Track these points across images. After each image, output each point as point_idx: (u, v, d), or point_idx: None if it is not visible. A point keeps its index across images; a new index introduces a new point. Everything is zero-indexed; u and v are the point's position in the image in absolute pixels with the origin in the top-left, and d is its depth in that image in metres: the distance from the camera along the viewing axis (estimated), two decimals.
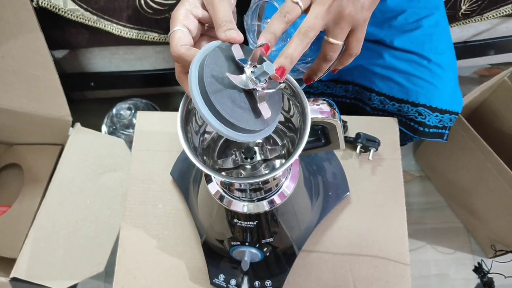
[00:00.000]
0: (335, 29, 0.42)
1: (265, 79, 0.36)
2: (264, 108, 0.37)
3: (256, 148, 0.50)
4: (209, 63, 0.35)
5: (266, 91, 0.37)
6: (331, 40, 0.42)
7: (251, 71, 0.36)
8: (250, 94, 0.37)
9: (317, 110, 0.44)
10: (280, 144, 0.52)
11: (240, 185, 0.48)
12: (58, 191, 0.86)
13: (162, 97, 1.32)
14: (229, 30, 0.39)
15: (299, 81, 0.49)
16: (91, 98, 1.30)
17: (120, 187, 0.88)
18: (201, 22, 0.44)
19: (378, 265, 0.61)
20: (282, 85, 0.38)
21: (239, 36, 0.39)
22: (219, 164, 0.50)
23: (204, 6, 0.44)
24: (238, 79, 0.36)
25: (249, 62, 0.37)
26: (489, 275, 1.10)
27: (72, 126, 0.91)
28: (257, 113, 0.37)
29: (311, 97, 0.45)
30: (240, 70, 0.37)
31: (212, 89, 0.34)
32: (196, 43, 0.44)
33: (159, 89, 1.29)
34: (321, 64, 0.45)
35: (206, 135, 0.51)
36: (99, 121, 1.20)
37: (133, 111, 1.20)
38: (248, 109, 0.36)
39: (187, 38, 0.41)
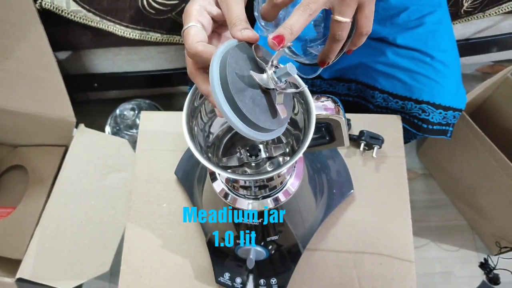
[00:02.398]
0: (341, 6, 0.41)
1: (286, 80, 0.36)
2: (281, 108, 0.37)
3: (260, 146, 0.50)
4: (231, 62, 0.35)
5: (284, 91, 0.37)
6: (338, 18, 0.42)
7: (273, 71, 0.36)
8: (267, 93, 0.37)
9: (322, 106, 0.44)
10: (284, 142, 0.52)
11: (245, 183, 0.48)
12: (62, 192, 0.86)
13: (165, 97, 1.33)
14: (245, 30, 0.38)
15: (314, 65, 0.49)
16: (95, 99, 1.30)
17: (125, 187, 0.88)
18: (213, 19, 0.44)
19: (383, 263, 0.61)
20: (302, 87, 0.38)
21: (255, 36, 0.38)
22: (223, 162, 0.50)
23: (217, 4, 0.43)
24: (260, 78, 0.36)
25: (271, 62, 0.36)
26: (495, 271, 1.10)
27: (76, 127, 0.91)
28: (272, 112, 0.37)
29: (315, 94, 0.44)
30: (259, 70, 0.37)
31: (236, 88, 0.34)
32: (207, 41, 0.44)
33: (162, 89, 1.29)
34: (331, 45, 0.44)
35: (211, 133, 0.51)
36: (102, 122, 1.21)
37: (136, 112, 1.20)
38: (265, 108, 0.36)
39: (202, 35, 0.40)
